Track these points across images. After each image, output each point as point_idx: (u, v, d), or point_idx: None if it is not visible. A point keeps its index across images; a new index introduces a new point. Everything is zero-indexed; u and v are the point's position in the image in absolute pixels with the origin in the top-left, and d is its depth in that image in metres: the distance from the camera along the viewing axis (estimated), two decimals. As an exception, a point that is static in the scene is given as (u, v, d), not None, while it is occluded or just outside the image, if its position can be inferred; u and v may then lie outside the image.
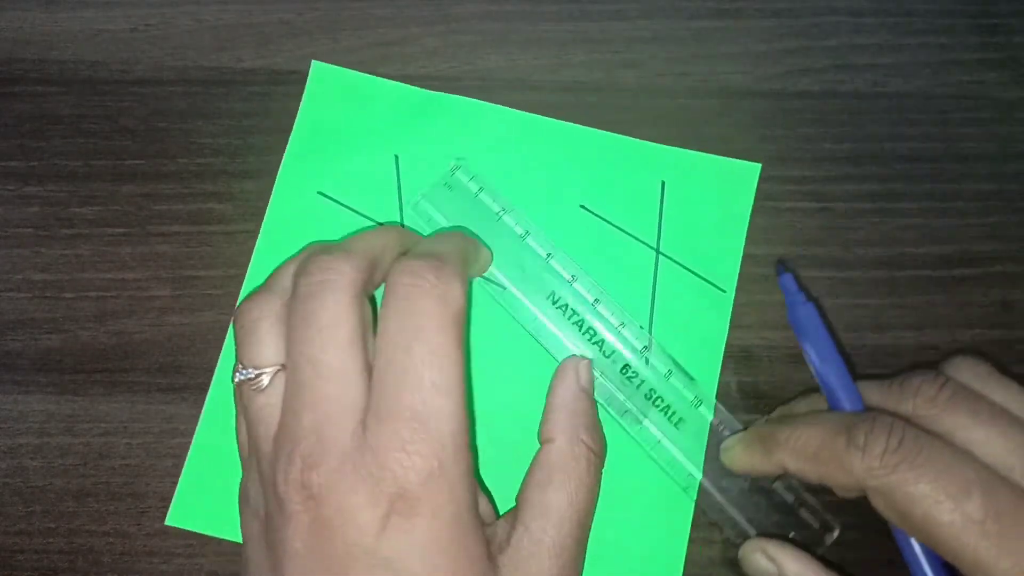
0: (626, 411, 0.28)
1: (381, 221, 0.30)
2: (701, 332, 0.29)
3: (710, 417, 0.28)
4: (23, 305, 0.30)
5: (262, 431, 0.23)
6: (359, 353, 0.22)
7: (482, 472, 0.27)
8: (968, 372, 0.24)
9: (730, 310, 0.30)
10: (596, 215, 0.30)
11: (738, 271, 0.30)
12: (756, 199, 0.31)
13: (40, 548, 0.28)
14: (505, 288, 0.29)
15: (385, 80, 0.32)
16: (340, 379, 0.22)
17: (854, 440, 0.22)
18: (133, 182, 0.31)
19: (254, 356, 0.23)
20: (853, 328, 0.30)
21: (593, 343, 0.28)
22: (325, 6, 0.33)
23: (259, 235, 0.30)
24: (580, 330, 0.28)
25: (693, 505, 0.27)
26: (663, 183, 0.31)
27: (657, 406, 0.28)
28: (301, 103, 0.31)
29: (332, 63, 0.32)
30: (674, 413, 0.28)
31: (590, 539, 0.25)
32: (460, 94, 0.31)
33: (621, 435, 0.28)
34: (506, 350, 0.29)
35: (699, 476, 0.27)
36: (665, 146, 0.31)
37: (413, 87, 0.32)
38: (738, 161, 0.31)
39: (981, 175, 0.32)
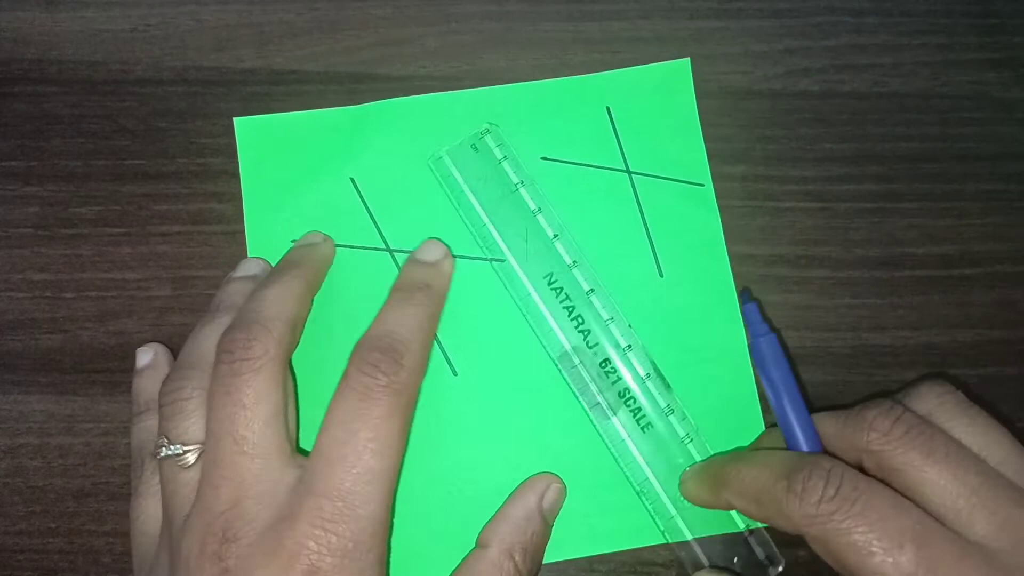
0: (596, 404, 0.28)
1: (364, 246, 0.30)
2: (697, 232, 0.30)
3: (679, 428, 0.28)
4: (23, 305, 0.30)
5: (179, 505, 0.23)
6: (280, 429, 0.24)
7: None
8: (932, 402, 0.24)
9: (715, 201, 0.30)
10: (559, 161, 0.31)
11: (707, 162, 0.31)
12: (756, 198, 0.31)
13: (40, 548, 0.28)
14: (505, 260, 0.29)
15: (311, 112, 0.31)
16: (262, 456, 0.23)
17: (792, 486, 0.22)
18: (133, 182, 0.31)
19: (181, 433, 0.24)
20: (853, 328, 0.30)
21: (579, 331, 0.28)
22: (325, 6, 0.33)
23: None
24: (569, 315, 0.28)
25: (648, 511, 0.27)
26: (608, 108, 0.31)
27: (628, 406, 0.28)
28: (239, 162, 0.31)
29: (332, 63, 0.32)
30: (643, 416, 0.28)
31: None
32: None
33: (591, 435, 0.28)
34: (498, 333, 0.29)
35: (654, 481, 0.27)
36: (596, 74, 0.32)
37: (339, 108, 0.31)
38: (667, 63, 0.32)
39: (981, 175, 0.32)
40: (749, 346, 0.27)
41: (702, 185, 0.31)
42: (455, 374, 0.29)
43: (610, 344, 0.28)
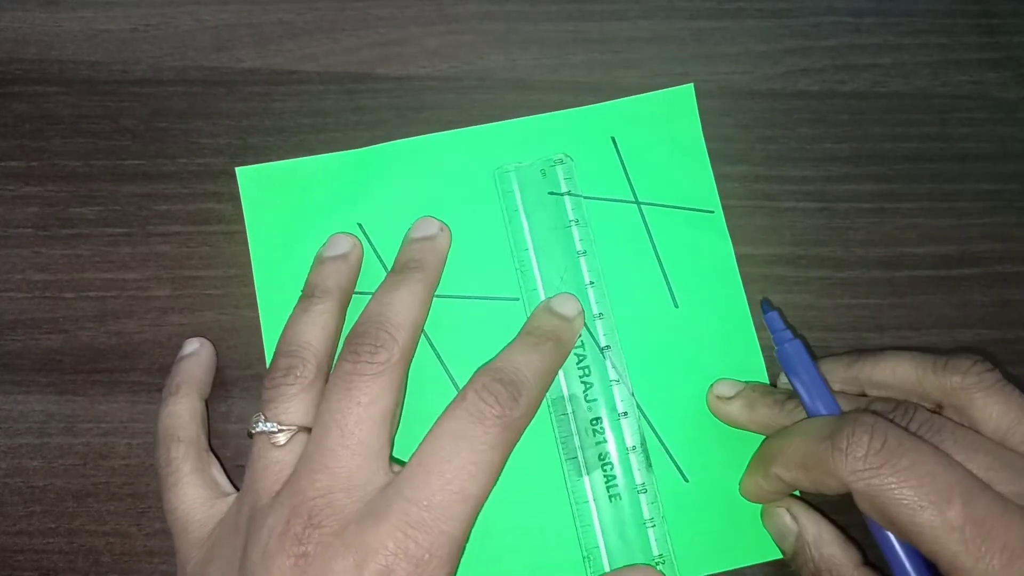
0: (573, 458, 0.27)
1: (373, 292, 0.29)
2: (709, 260, 0.30)
3: (645, 510, 0.27)
4: (23, 305, 0.30)
5: (267, 484, 0.24)
6: (385, 433, 0.25)
7: None
8: (972, 376, 0.24)
9: (725, 227, 0.30)
10: (567, 195, 0.30)
11: (716, 188, 0.30)
12: (756, 199, 0.31)
13: (40, 548, 0.28)
14: (536, 290, 0.29)
15: (314, 157, 0.30)
16: (363, 454, 0.24)
17: (837, 443, 0.22)
18: (133, 182, 0.31)
19: (279, 414, 0.25)
20: (853, 328, 0.30)
21: (582, 381, 0.28)
22: (325, 6, 0.33)
23: (262, 336, 0.29)
24: (578, 363, 0.28)
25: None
26: (613, 139, 0.31)
27: (604, 471, 0.27)
28: (244, 212, 0.30)
29: (332, 63, 0.32)
30: (615, 486, 0.27)
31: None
32: (460, 94, 0.31)
33: (558, 483, 0.28)
34: None
35: (603, 551, 0.27)
36: (599, 104, 0.31)
37: (342, 152, 0.30)
38: (670, 89, 0.31)
39: (981, 175, 0.32)
40: (777, 353, 0.27)
41: (712, 212, 0.30)
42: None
43: (607, 406, 0.28)
